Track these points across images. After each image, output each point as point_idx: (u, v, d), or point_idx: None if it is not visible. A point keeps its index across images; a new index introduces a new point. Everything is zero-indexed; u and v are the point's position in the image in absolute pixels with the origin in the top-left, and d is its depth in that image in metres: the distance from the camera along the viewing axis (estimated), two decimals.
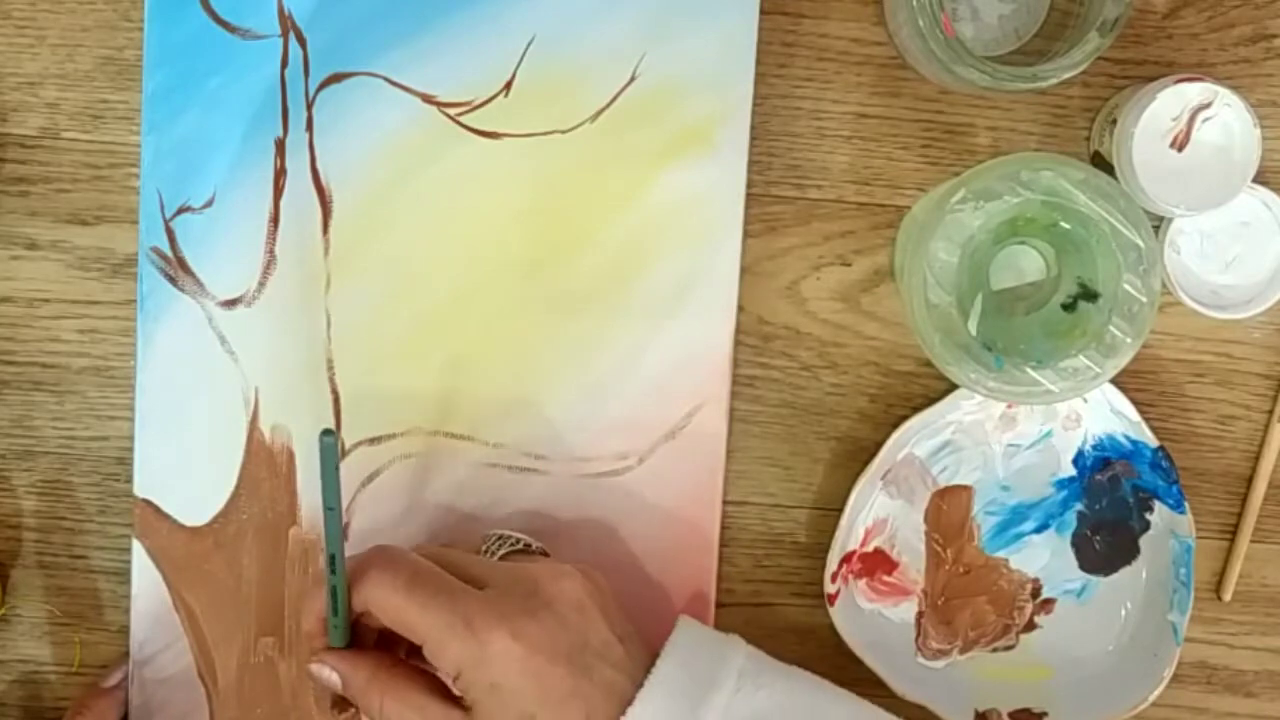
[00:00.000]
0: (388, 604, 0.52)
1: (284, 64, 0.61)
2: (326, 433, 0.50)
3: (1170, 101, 0.59)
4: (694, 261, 0.62)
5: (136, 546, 0.62)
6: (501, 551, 0.58)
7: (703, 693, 0.51)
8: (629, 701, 0.51)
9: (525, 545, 0.59)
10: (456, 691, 0.52)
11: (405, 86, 0.61)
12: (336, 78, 0.61)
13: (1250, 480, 0.65)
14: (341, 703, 0.55)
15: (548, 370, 0.62)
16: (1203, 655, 0.66)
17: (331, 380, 0.62)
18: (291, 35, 0.61)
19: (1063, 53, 0.57)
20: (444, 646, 0.51)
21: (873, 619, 0.64)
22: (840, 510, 0.62)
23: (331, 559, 0.51)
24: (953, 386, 0.62)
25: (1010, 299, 0.60)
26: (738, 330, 0.63)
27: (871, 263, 0.63)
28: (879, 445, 0.62)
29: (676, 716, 0.50)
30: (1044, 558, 0.65)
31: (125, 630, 0.63)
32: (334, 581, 0.52)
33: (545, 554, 0.59)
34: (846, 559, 0.63)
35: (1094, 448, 0.64)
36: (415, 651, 0.53)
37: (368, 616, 0.54)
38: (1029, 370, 0.57)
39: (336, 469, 0.51)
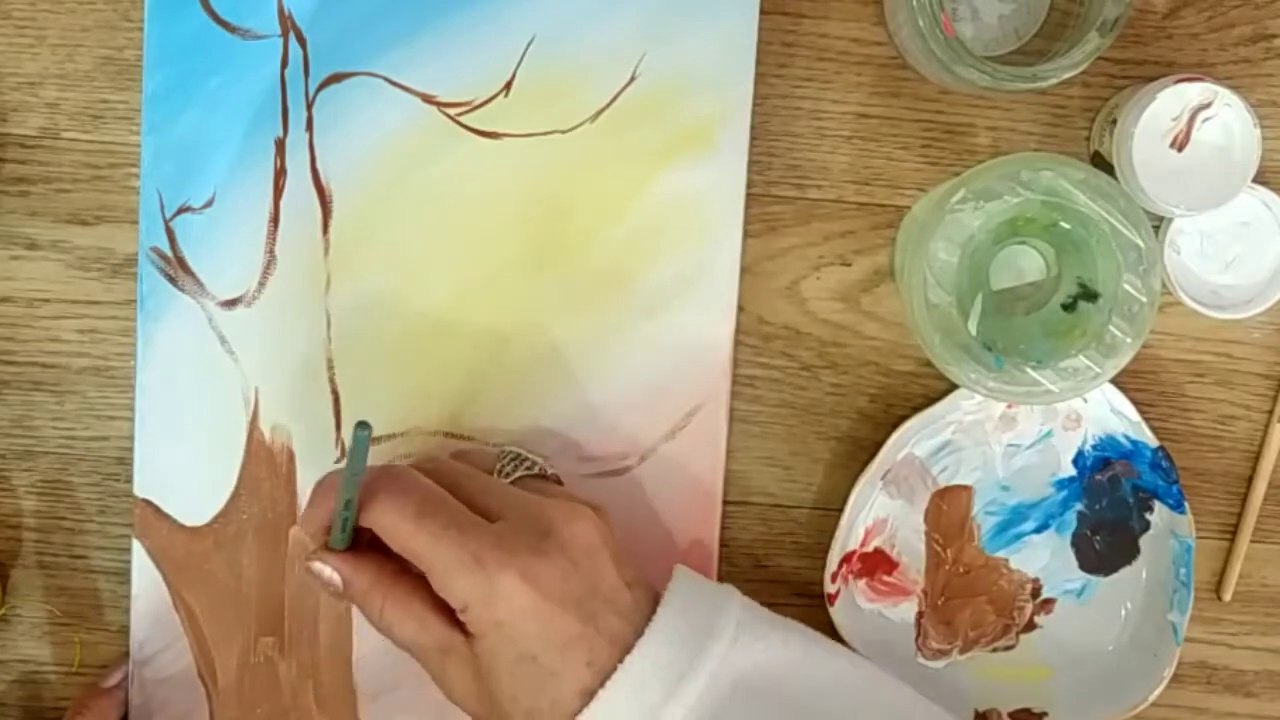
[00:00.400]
0: (395, 531, 0.51)
1: (284, 64, 0.61)
2: (362, 425, 0.49)
3: (1170, 101, 0.59)
4: (694, 261, 0.62)
5: (136, 546, 0.62)
6: (516, 474, 0.57)
7: (701, 642, 0.51)
8: (630, 648, 0.50)
9: (540, 471, 0.58)
10: (461, 619, 0.51)
11: (405, 86, 0.61)
12: (336, 78, 0.61)
13: (1250, 480, 0.65)
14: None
15: (548, 370, 0.62)
16: (1203, 655, 0.66)
17: (331, 380, 0.62)
18: (291, 35, 0.61)
19: (1063, 53, 0.57)
20: (452, 580, 0.50)
21: (873, 619, 0.64)
22: (840, 510, 0.62)
23: (354, 475, 0.50)
24: (953, 386, 0.62)
25: (1010, 299, 0.60)
26: (738, 330, 0.63)
27: (871, 263, 0.63)
28: (879, 445, 0.62)
29: (675, 665, 0.50)
30: (1044, 558, 0.65)
31: (125, 630, 0.63)
32: (349, 494, 0.51)
33: (559, 481, 0.58)
34: (846, 559, 0.63)
35: (1094, 448, 0.64)
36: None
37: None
38: (1029, 370, 0.57)
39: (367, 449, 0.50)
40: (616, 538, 0.54)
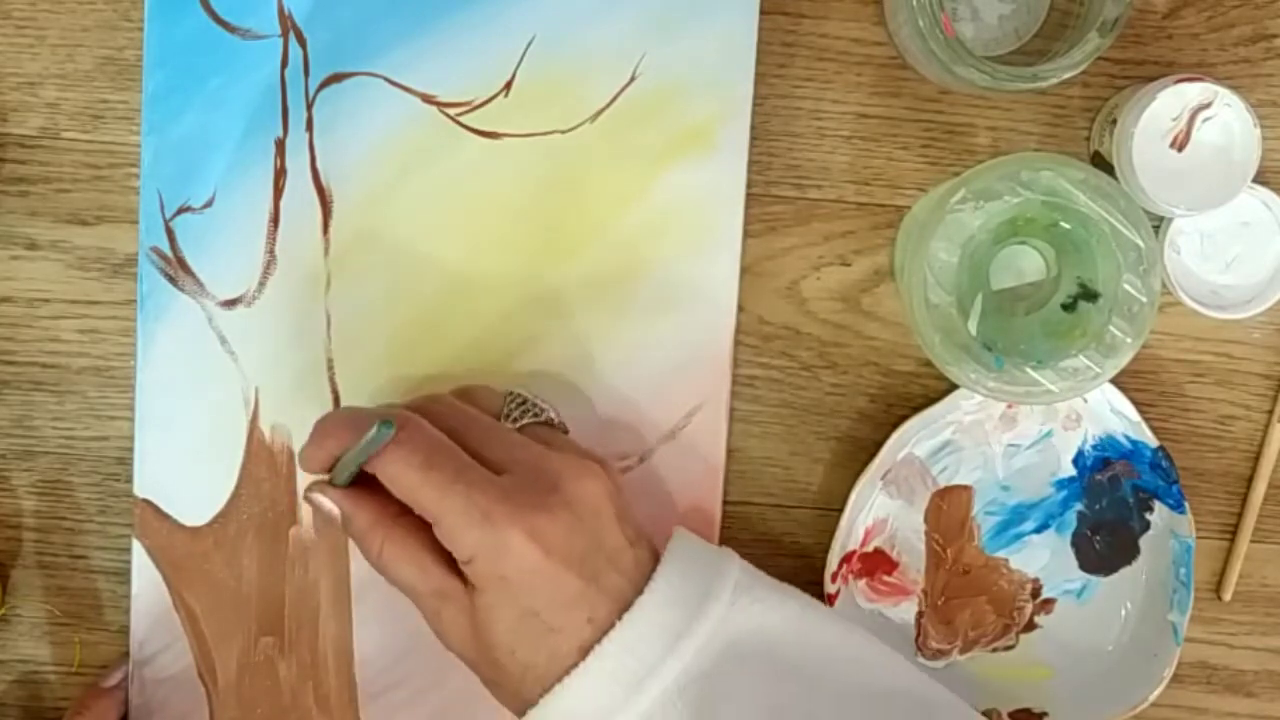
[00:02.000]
0: (402, 479, 0.51)
1: (284, 64, 0.61)
2: (386, 424, 0.50)
3: (1170, 101, 0.59)
4: (694, 261, 0.62)
5: (136, 546, 0.62)
6: (523, 421, 0.57)
7: (699, 603, 0.51)
8: (629, 606, 0.50)
9: (548, 419, 0.57)
10: (463, 570, 0.51)
11: (405, 86, 0.61)
12: (336, 78, 0.61)
13: (1250, 480, 0.65)
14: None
15: (548, 370, 0.62)
16: (1203, 655, 0.66)
17: (331, 380, 0.62)
18: (291, 35, 0.61)
19: (1063, 53, 0.57)
20: (458, 533, 0.50)
21: (872, 619, 0.64)
22: (840, 510, 0.62)
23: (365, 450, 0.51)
24: (953, 386, 0.62)
25: (1010, 299, 0.60)
26: (738, 330, 0.63)
27: (871, 263, 0.63)
28: (879, 445, 0.62)
29: (673, 625, 0.50)
30: (1044, 558, 0.65)
31: (125, 630, 0.63)
32: (359, 461, 0.51)
33: (565, 429, 0.58)
34: (846, 559, 0.63)
35: (1094, 448, 0.64)
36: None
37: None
38: (1029, 370, 0.57)
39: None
40: (621, 493, 0.54)
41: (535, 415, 0.57)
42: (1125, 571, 0.65)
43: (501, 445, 0.53)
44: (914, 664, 0.55)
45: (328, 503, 0.53)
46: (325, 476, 0.54)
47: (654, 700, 0.49)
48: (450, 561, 0.52)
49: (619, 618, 0.50)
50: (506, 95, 0.61)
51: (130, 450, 0.62)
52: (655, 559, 0.53)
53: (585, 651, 0.50)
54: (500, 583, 0.50)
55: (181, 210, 0.61)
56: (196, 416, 0.62)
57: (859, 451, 0.63)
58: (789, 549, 0.64)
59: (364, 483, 0.53)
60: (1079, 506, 0.64)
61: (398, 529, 0.52)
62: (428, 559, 0.52)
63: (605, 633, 0.50)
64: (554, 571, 0.50)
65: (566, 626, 0.50)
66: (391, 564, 0.52)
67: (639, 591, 0.51)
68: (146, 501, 0.62)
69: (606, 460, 0.54)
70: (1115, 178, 0.60)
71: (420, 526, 0.52)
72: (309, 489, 0.54)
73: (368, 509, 0.53)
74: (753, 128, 0.62)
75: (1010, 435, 0.63)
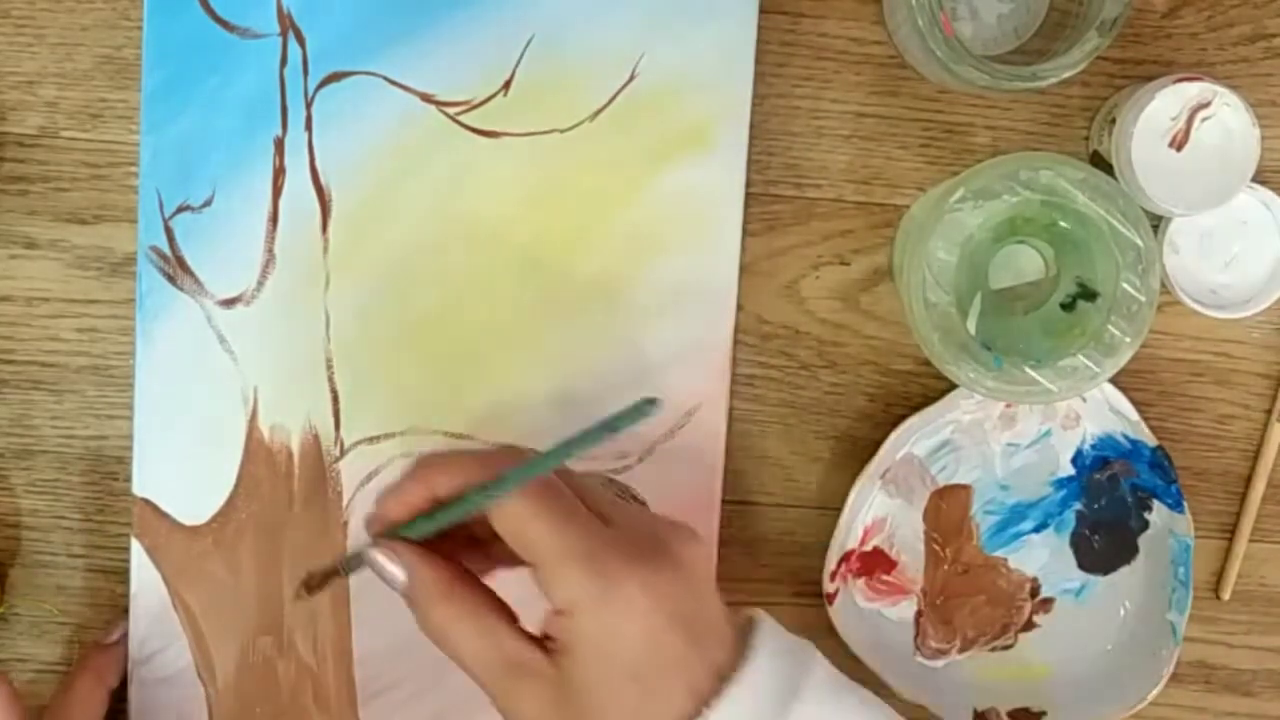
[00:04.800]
0: (512, 511, 0.47)
1: (283, 63, 0.61)
2: (649, 401, 0.47)
3: (1169, 101, 0.59)
4: (693, 260, 0.62)
5: (135, 545, 0.62)
6: (610, 492, 0.55)
7: (786, 698, 0.47)
8: (726, 683, 0.47)
9: (633, 495, 0.56)
10: (548, 629, 0.47)
11: (404, 85, 0.61)
12: (335, 77, 0.61)
13: (1249, 479, 0.65)
14: (315, 582, 0.52)
15: (547, 369, 0.62)
16: (1201, 654, 0.66)
17: (330, 379, 0.62)
18: (290, 34, 0.61)
19: (1062, 52, 0.57)
20: (564, 576, 0.46)
21: (871, 618, 0.64)
22: (839, 509, 0.62)
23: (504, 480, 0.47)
24: (951, 386, 0.62)
25: (1009, 298, 0.60)
26: (737, 329, 0.63)
27: (870, 262, 0.63)
28: (878, 444, 0.62)
29: (765, 713, 0.47)
30: (1043, 557, 0.65)
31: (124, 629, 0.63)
32: (486, 493, 0.47)
33: (644, 503, 0.56)
34: (845, 558, 0.63)
35: (1093, 447, 0.64)
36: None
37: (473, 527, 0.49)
38: (1028, 370, 0.57)
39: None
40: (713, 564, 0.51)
41: (620, 491, 0.56)
42: (1124, 571, 0.65)
43: (604, 498, 0.50)
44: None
45: (392, 563, 0.48)
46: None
47: None
48: (525, 635, 0.48)
49: (718, 694, 0.46)
50: (505, 94, 0.61)
51: (129, 449, 0.62)
52: (742, 639, 0.49)
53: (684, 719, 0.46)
54: (599, 640, 0.46)
55: (180, 209, 0.61)
56: (195, 416, 0.62)
57: (858, 451, 0.63)
58: (788, 548, 0.64)
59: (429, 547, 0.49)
60: (1078, 506, 0.64)
61: (471, 593, 0.48)
62: (500, 626, 0.48)
63: (706, 704, 0.46)
64: (660, 627, 0.46)
65: (668, 693, 0.46)
66: (457, 632, 0.48)
67: (735, 667, 0.47)
68: (145, 501, 0.62)
69: (699, 533, 0.51)
70: (1114, 177, 0.60)
71: (492, 596, 0.48)
72: (376, 546, 0.49)
73: (440, 568, 0.48)
74: (752, 127, 0.62)
75: (1009, 434, 0.63)
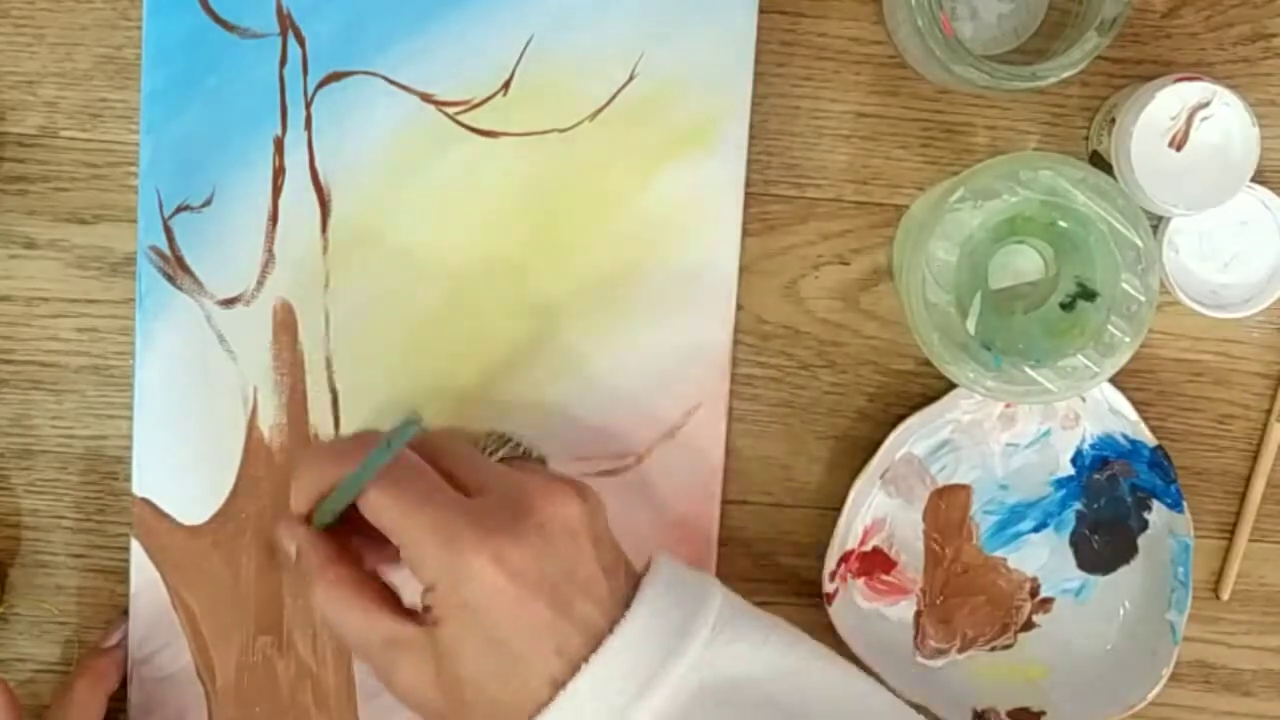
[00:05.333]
0: (372, 499, 0.49)
1: (283, 62, 0.61)
2: (411, 421, 0.49)
3: (1169, 101, 0.59)
4: (693, 260, 0.62)
5: (135, 545, 0.62)
6: (500, 454, 0.55)
7: (675, 642, 0.48)
8: (603, 638, 0.48)
9: (525, 451, 0.56)
10: (425, 603, 0.49)
11: (404, 85, 0.61)
12: (335, 76, 0.61)
13: (1248, 479, 0.65)
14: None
15: (546, 369, 0.62)
16: (1201, 654, 0.66)
17: (330, 379, 0.62)
18: (290, 34, 0.61)
19: (1061, 52, 0.57)
20: (422, 556, 0.48)
21: (871, 618, 0.64)
22: (839, 509, 0.62)
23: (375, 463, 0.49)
24: (951, 385, 0.62)
25: (1009, 298, 0.60)
26: (736, 329, 0.63)
27: (870, 262, 0.63)
28: (877, 444, 0.62)
29: (647, 664, 0.48)
30: (1042, 557, 0.65)
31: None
32: (361, 477, 0.49)
33: (543, 461, 0.56)
34: (845, 558, 0.63)
35: (1092, 447, 0.64)
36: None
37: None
38: (1027, 369, 0.57)
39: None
40: (601, 517, 0.52)
41: (512, 449, 0.56)
42: (1123, 571, 0.65)
43: (474, 469, 0.52)
44: (902, 701, 0.53)
45: (287, 540, 0.51)
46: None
47: None
48: (405, 612, 0.50)
49: (592, 651, 0.48)
50: (505, 94, 0.61)
51: (129, 449, 0.62)
52: (634, 588, 0.50)
53: (556, 685, 0.48)
54: (464, 611, 0.48)
55: (180, 209, 0.61)
56: (195, 415, 0.62)
57: (857, 450, 0.63)
58: (788, 548, 0.64)
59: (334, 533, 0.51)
60: (1077, 506, 0.64)
61: (348, 574, 0.50)
62: (375, 607, 0.50)
63: (576, 667, 0.47)
64: (520, 598, 0.48)
65: (534, 656, 0.48)
66: (336, 611, 0.50)
67: (615, 622, 0.48)
68: (145, 500, 0.62)
69: (586, 485, 0.52)
70: (1114, 177, 0.60)
71: (374, 582, 0.51)
72: (280, 524, 0.52)
73: (323, 550, 0.51)
74: (751, 127, 0.62)
75: (1009, 434, 0.63)
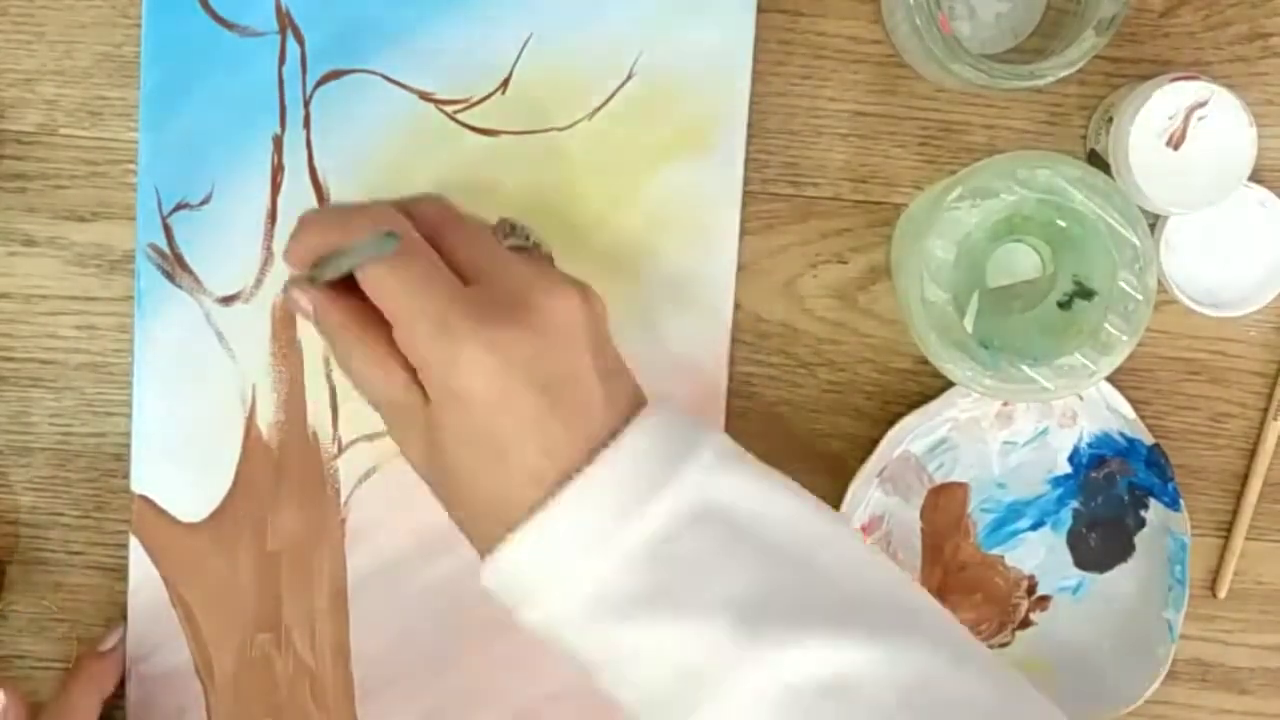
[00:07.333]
0: (372, 273, 0.49)
1: (281, 61, 0.61)
2: (391, 236, 0.48)
3: (1166, 100, 0.59)
4: (691, 259, 0.62)
5: (134, 543, 0.62)
6: (507, 243, 0.54)
7: (674, 464, 0.47)
8: (596, 449, 0.47)
9: (535, 244, 0.55)
10: (419, 380, 0.49)
11: (403, 84, 0.61)
12: (334, 75, 0.61)
13: (1245, 478, 0.65)
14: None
15: None
16: (1198, 652, 0.66)
17: (329, 377, 0.62)
18: (289, 32, 0.61)
19: (1059, 51, 0.57)
20: (414, 336, 0.48)
21: None
22: (836, 508, 0.62)
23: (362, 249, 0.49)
24: (949, 384, 0.62)
25: (1006, 297, 0.60)
26: (734, 328, 0.63)
27: (868, 260, 0.63)
28: (875, 443, 0.62)
29: (642, 481, 0.46)
30: (1039, 555, 0.65)
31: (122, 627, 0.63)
32: (362, 249, 0.49)
33: (550, 258, 0.55)
34: None
35: (1089, 445, 0.64)
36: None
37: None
38: (1025, 368, 0.57)
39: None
40: (603, 324, 0.50)
41: (520, 240, 0.54)
42: (1121, 569, 0.65)
43: (479, 253, 0.50)
44: (879, 551, 0.51)
45: (304, 300, 0.50)
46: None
47: (613, 564, 0.46)
48: (419, 382, 0.49)
49: (580, 451, 0.47)
50: (504, 93, 0.62)
51: (127, 447, 0.62)
52: (633, 405, 0.48)
53: (539, 483, 0.46)
54: (453, 397, 0.47)
55: (179, 207, 0.61)
56: (194, 413, 0.62)
57: (855, 449, 0.63)
58: None
59: (342, 286, 0.50)
60: (1074, 504, 0.64)
61: (370, 333, 0.49)
62: (393, 364, 0.49)
63: (564, 471, 0.46)
64: (509, 388, 0.47)
65: (521, 453, 0.47)
66: (358, 368, 0.50)
67: (610, 430, 0.47)
68: (144, 498, 0.62)
69: (590, 288, 0.50)
70: (1111, 176, 0.60)
71: (394, 344, 0.49)
72: (288, 283, 0.51)
73: (341, 308, 0.50)
74: (750, 125, 0.62)
75: (1006, 433, 0.64)
